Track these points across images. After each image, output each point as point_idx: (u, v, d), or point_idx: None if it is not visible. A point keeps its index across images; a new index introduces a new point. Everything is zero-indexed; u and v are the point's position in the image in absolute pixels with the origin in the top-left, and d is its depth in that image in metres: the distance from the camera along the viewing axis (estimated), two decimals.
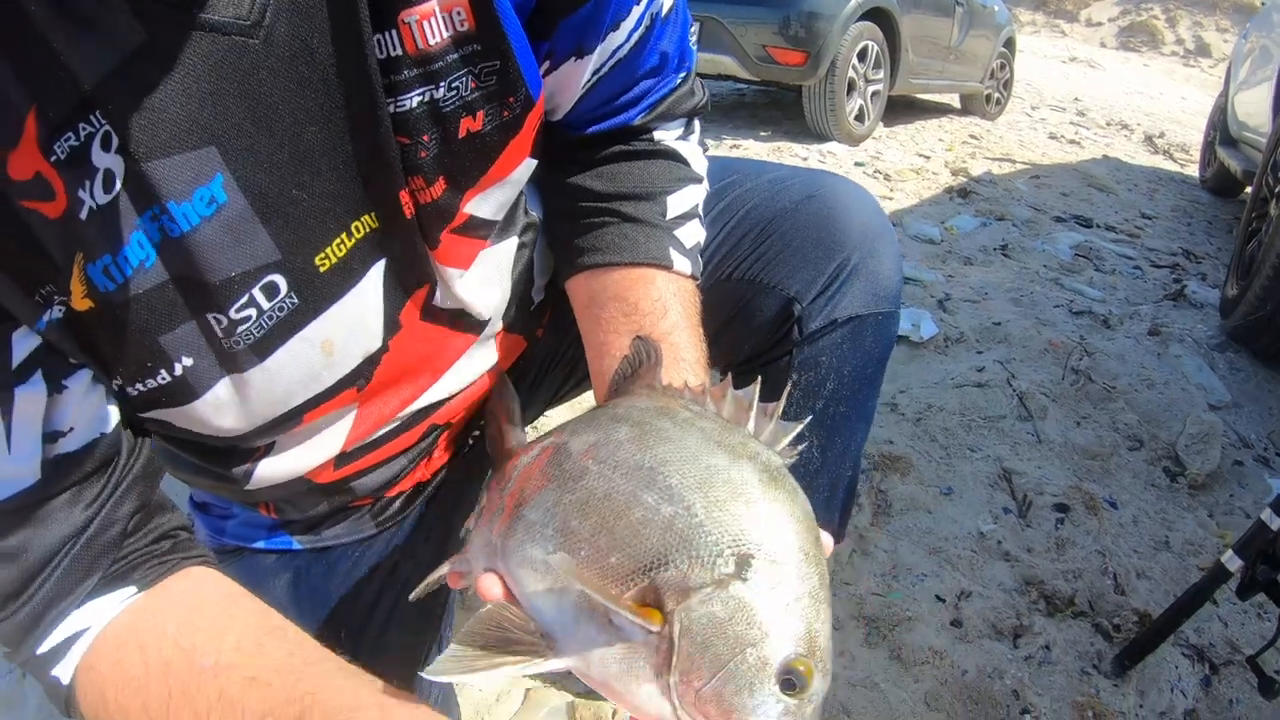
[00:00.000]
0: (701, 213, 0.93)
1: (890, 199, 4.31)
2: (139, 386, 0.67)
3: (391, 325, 0.78)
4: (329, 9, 0.62)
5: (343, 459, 0.90)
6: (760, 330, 0.99)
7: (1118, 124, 8.50)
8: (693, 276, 0.89)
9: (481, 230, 0.81)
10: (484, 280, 0.85)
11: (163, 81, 0.58)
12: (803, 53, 5.09)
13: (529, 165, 0.82)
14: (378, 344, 0.78)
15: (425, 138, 0.70)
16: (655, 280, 0.86)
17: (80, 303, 0.61)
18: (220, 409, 0.72)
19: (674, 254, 0.87)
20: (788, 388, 0.78)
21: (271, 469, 0.85)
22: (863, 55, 5.49)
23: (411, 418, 0.91)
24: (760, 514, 0.54)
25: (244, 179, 0.63)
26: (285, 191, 0.66)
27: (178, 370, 0.67)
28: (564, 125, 0.86)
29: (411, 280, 0.78)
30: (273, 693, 0.64)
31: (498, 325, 0.93)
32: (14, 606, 0.64)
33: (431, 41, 0.66)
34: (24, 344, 0.60)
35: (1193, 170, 6.63)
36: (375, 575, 1.06)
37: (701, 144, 0.95)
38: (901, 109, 7.00)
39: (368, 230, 0.72)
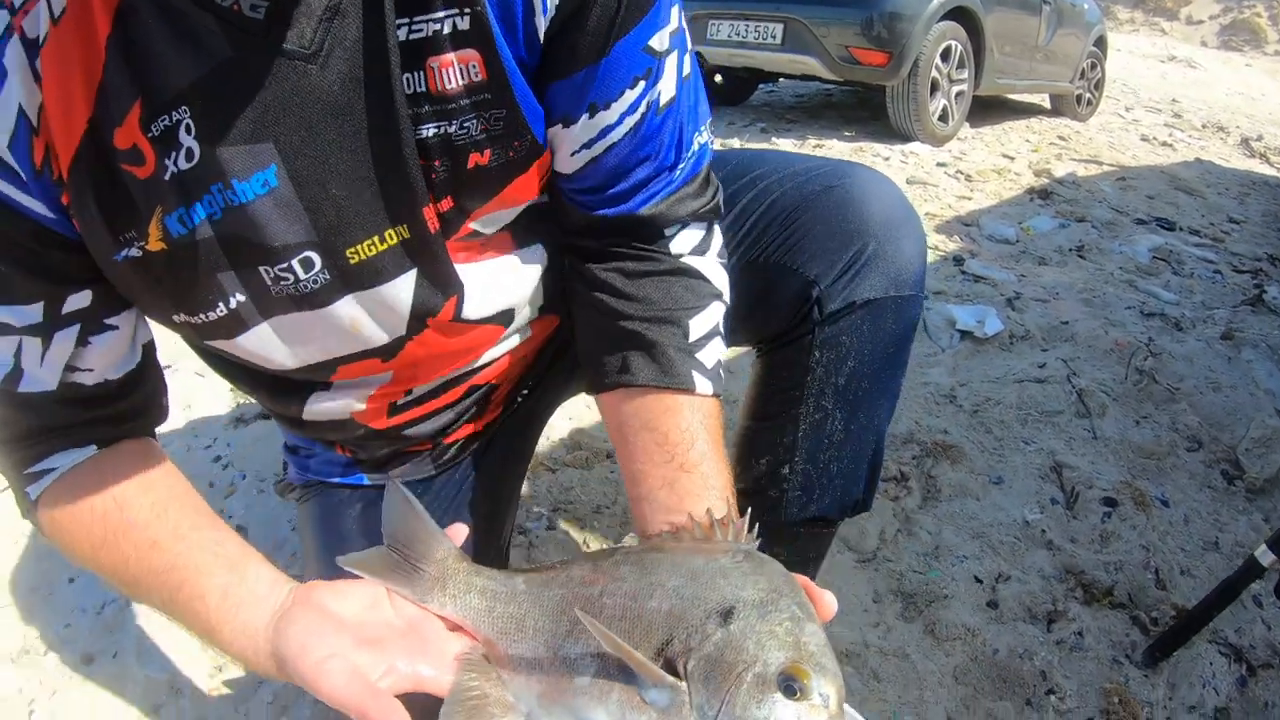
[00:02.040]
0: (723, 330, 0.99)
1: (969, 199, 4.32)
2: (201, 317, 0.84)
3: (417, 324, 0.92)
4: (369, 48, 0.76)
5: (394, 409, 1.05)
6: (783, 311, 1.08)
7: (1214, 126, 8.28)
8: (715, 395, 0.96)
9: (491, 242, 0.94)
10: (507, 287, 0.98)
11: (238, 89, 0.74)
12: (885, 53, 5.09)
13: (536, 200, 0.93)
14: (402, 333, 0.92)
15: (438, 163, 0.82)
16: (682, 409, 0.94)
17: (155, 244, 0.78)
18: (264, 343, 0.88)
19: (696, 377, 0.94)
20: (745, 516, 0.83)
21: (319, 409, 1.03)
22: (946, 55, 5.46)
23: (448, 382, 1.05)
24: (734, 580, 0.69)
25: (293, 172, 0.78)
26: (326, 190, 0.80)
27: (232, 304, 0.83)
28: (574, 203, 0.94)
29: (441, 291, 0.90)
30: (163, 558, 0.84)
31: (529, 317, 1.05)
32: (19, 450, 0.88)
33: (449, 86, 0.79)
34: (75, 303, 0.81)
35: None
36: (434, 511, 1.19)
37: (721, 256, 1.00)
38: (989, 109, 6.93)
39: (399, 239, 0.85)
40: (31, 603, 1.68)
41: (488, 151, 0.84)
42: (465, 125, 0.82)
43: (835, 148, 5.15)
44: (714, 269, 0.98)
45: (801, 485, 1.14)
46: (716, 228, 0.99)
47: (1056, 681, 1.50)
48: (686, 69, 0.91)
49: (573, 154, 0.88)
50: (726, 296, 0.99)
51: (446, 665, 0.76)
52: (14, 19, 0.71)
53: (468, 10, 0.77)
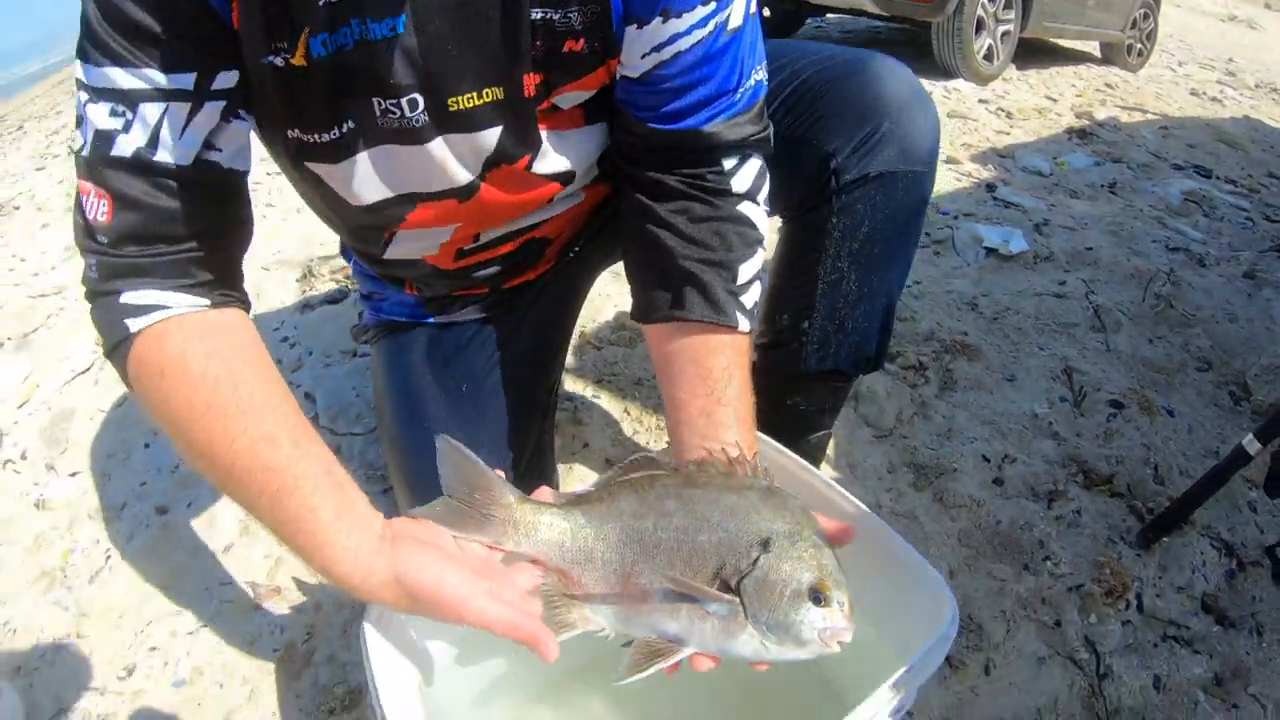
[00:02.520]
0: (762, 275, 1.10)
1: (1008, 134, 4.36)
2: (313, 137, 0.96)
3: (494, 169, 1.06)
4: None
5: (460, 254, 1.21)
6: (805, 182, 1.21)
7: (1267, 87, 8.17)
8: (750, 332, 1.08)
9: (565, 115, 1.07)
10: (572, 153, 1.11)
11: None
12: None
13: (606, 88, 1.05)
14: (479, 175, 1.06)
15: (539, 43, 0.96)
16: (725, 348, 1.06)
17: (298, 59, 0.89)
18: (356, 172, 1.01)
19: (740, 317, 1.06)
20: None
21: (397, 250, 1.18)
22: None
23: (510, 234, 1.20)
24: (766, 515, 0.88)
25: (419, 24, 0.90)
26: (443, 46, 0.92)
27: (344, 129, 0.96)
28: (639, 117, 1.03)
29: (521, 146, 1.05)
30: (277, 456, 0.87)
31: (584, 182, 1.18)
32: (130, 249, 0.89)
33: None
34: (224, 80, 0.88)
35: None
36: (489, 347, 1.36)
37: (766, 200, 1.10)
38: (1037, 53, 6.89)
39: (494, 99, 0.98)
40: (108, 467, 1.84)
41: (581, 40, 0.98)
42: (569, 15, 0.95)
43: None
44: (761, 216, 1.09)
45: (819, 339, 1.27)
46: (766, 169, 1.09)
47: (1053, 550, 1.62)
48: (752, 7, 1.02)
49: (643, 55, 0.98)
50: (765, 241, 1.10)
51: (520, 594, 0.87)
52: None
53: None
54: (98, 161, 0.87)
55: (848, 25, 7.66)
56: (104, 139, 0.86)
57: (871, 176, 1.18)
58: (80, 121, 0.88)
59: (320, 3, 0.86)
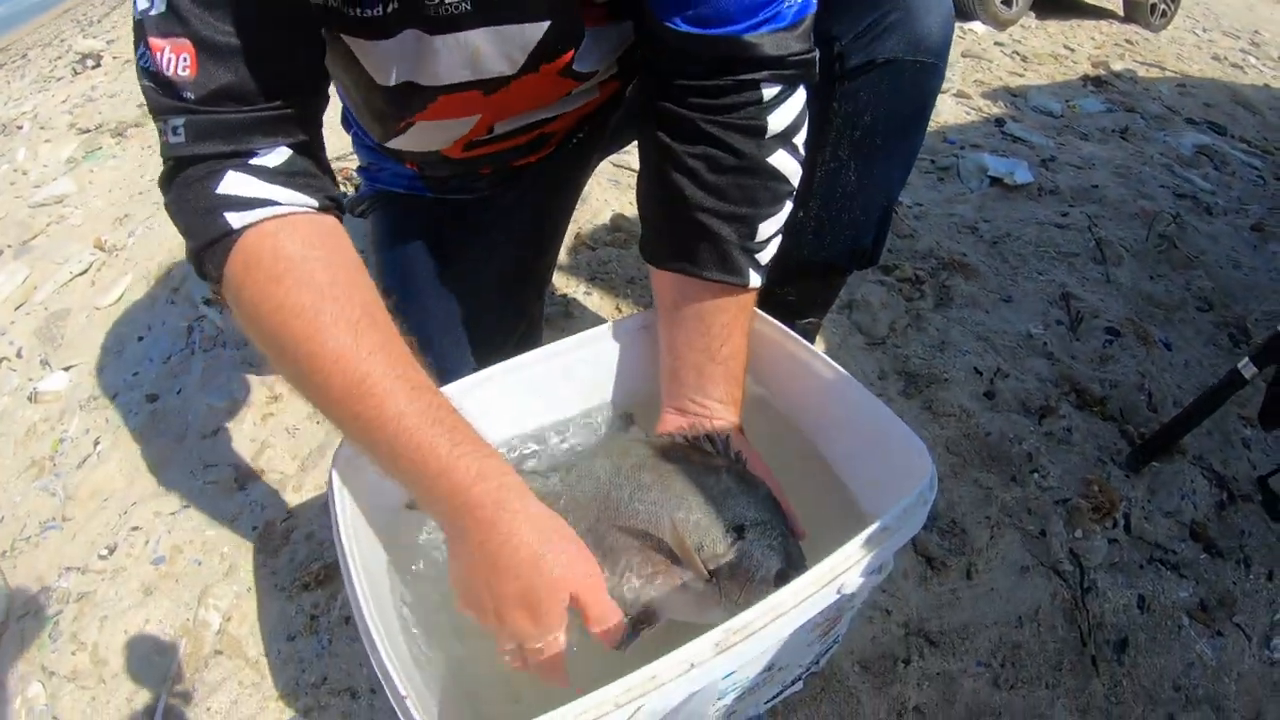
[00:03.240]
0: (785, 227, 1.05)
1: (1021, 76, 4.28)
2: (357, 11, 0.90)
3: (532, 65, 1.02)
4: None
5: (470, 145, 1.18)
6: None
7: None
8: (759, 288, 1.06)
9: (599, 11, 1.04)
10: (601, 48, 1.09)
11: None
12: None
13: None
14: (513, 72, 1.02)
15: None
16: (730, 306, 1.04)
17: None
18: (391, 56, 0.97)
19: (752, 274, 1.03)
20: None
21: (409, 140, 1.16)
22: None
23: (524, 127, 1.18)
24: (740, 501, 0.94)
25: None
26: None
27: (389, 9, 0.90)
28: (677, 24, 0.93)
29: (566, 40, 1.01)
30: (409, 399, 0.81)
31: (602, 79, 1.16)
32: (224, 104, 0.82)
33: None
34: None
35: None
36: (487, 223, 1.35)
37: (804, 140, 1.03)
38: (1058, 6, 6.79)
39: None
40: (101, 360, 1.87)
41: None
42: None
43: None
44: (793, 164, 1.01)
45: (814, 229, 1.23)
46: (808, 104, 1.02)
47: (1041, 464, 1.59)
48: None
49: None
50: (796, 186, 1.03)
51: None
52: None
53: None
54: (176, 10, 0.79)
55: None
56: None
57: (878, 63, 1.11)
58: None
59: None
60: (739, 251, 1.01)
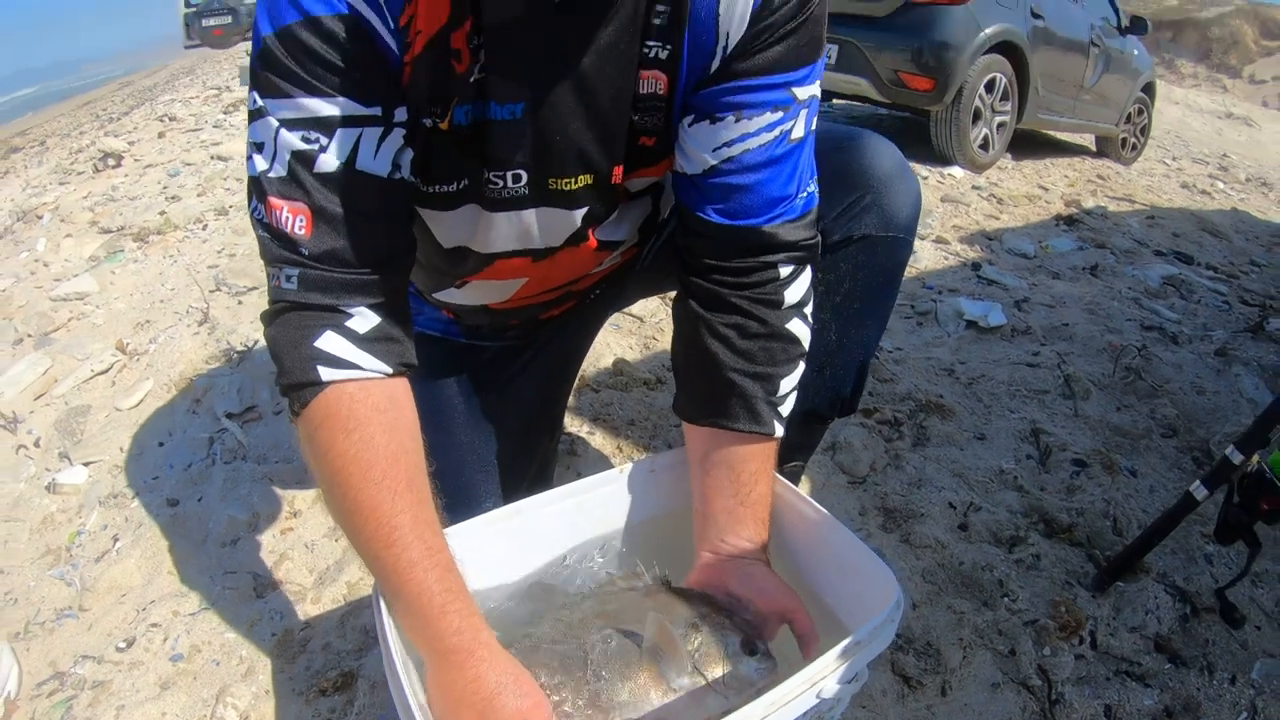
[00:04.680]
0: (799, 385, 1.24)
1: (997, 219, 4.57)
2: (434, 187, 1.11)
3: (574, 241, 1.25)
4: (624, 50, 1.06)
5: (508, 302, 1.40)
6: None
7: (1258, 181, 8.44)
8: (781, 437, 1.23)
9: (632, 198, 1.27)
10: (630, 222, 1.32)
11: (520, 38, 1.01)
12: (931, 79, 5.40)
13: (668, 176, 1.24)
14: (559, 244, 1.24)
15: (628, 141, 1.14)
16: (758, 455, 1.21)
17: (444, 124, 1.04)
18: (455, 226, 1.18)
19: (776, 425, 1.20)
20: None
21: (466, 295, 1.38)
22: (990, 86, 5.76)
23: (559, 287, 1.39)
24: (683, 608, 1.12)
25: (534, 112, 1.06)
26: (553, 135, 1.08)
27: (457, 188, 1.11)
28: (708, 215, 1.16)
29: (597, 220, 1.24)
30: (422, 557, 0.99)
31: (625, 246, 1.37)
32: (331, 264, 1.00)
33: (643, 91, 1.10)
34: (401, 114, 1.00)
35: None
36: (512, 369, 1.57)
37: (813, 316, 1.24)
38: (1033, 145, 7.16)
39: (587, 183, 1.15)
40: (121, 460, 1.99)
41: (654, 139, 1.16)
42: (647, 119, 1.13)
43: None
44: (806, 331, 1.22)
45: (799, 382, 1.43)
46: (813, 280, 1.23)
47: (1011, 589, 1.75)
48: (813, 126, 1.16)
49: (713, 149, 1.12)
50: (807, 348, 1.24)
51: None
52: None
53: (669, 47, 1.07)
54: (296, 178, 0.96)
55: (854, 111, 7.97)
56: (303, 159, 0.96)
57: (855, 239, 1.32)
58: (260, 147, 0.97)
59: (469, 79, 1.02)
60: (765, 405, 1.18)
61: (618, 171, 1.16)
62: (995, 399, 2.42)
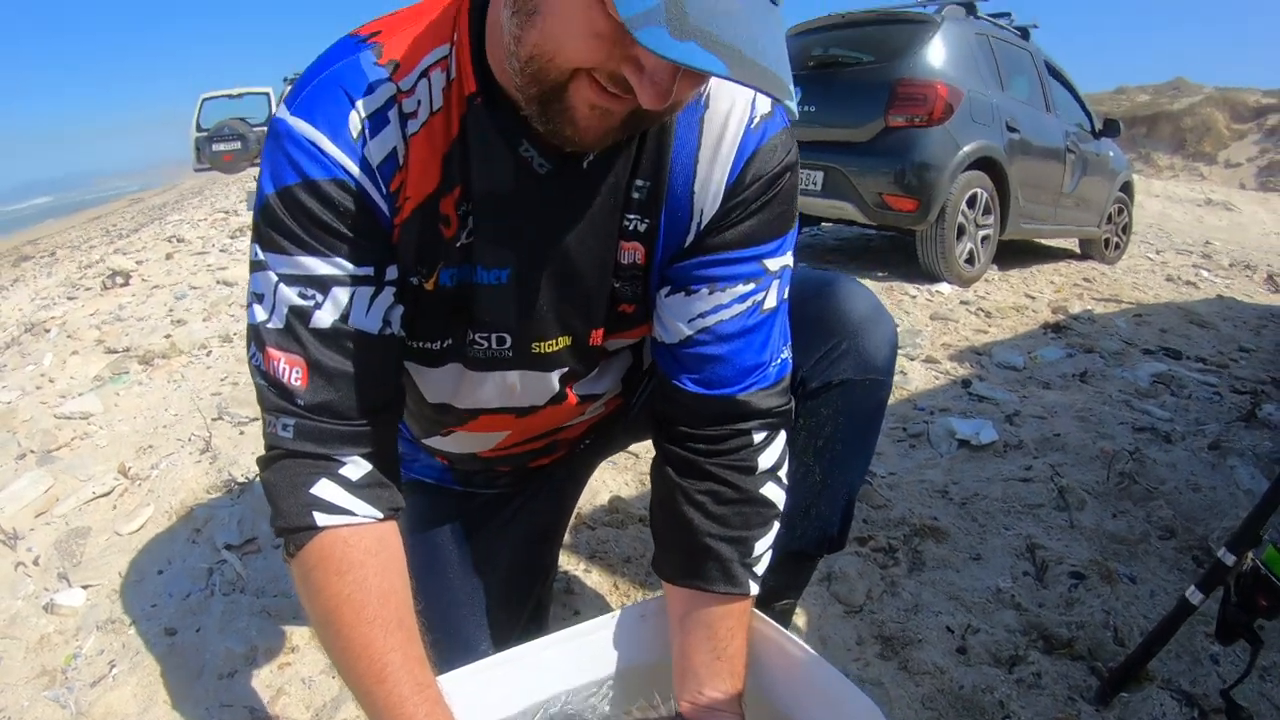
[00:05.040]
0: (775, 544, 1.28)
1: (986, 333, 4.69)
2: (418, 343, 1.18)
3: (555, 400, 1.31)
4: (606, 221, 1.13)
5: (496, 448, 1.47)
6: None
7: (1242, 265, 8.59)
8: (757, 594, 1.27)
9: (612, 354, 1.34)
10: (610, 377, 1.40)
11: (509, 208, 1.08)
12: (914, 200, 5.63)
13: (645, 339, 1.32)
14: (541, 402, 1.31)
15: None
16: (733, 613, 1.25)
17: (430, 285, 1.11)
18: (439, 381, 1.25)
19: (751, 585, 1.25)
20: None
21: (448, 443, 1.45)
22: (972, 201, 5.98)
23: (542, 435, 1.47)
24: None
25: (519, 280, 1.13)
26: (536, 301, 1.15)
27: (441, 346, 1.18)
28: (684, 386, 1.21)
29: (576, 378, 1.30)
30: (409, 684, 1.04)
31: (608, 398, 1.46)
32: (325, 416, 1.05)
33: (624, 261, 1.18)
34: (392, 273, 1.07)
35: None
36: (505, 516, 1.64)
37: (787, 478, 1.29)
38: (1018, 253, 7.34)
39: (567, 345, 1.22)
40: (121, 585, 2.04)
41: (633, 305, 1.23)
42: (626, 287, 1.20)
43: (868, 286, 5.56)
44: (780, 494, 1.27)
45: (787, 524, 1.46)
46: (787, 445, 1.28)
47: (1013, 709, 1.77)
48: (785, 295, 1.22)
49: (688, 321, 1.18)
50: (782, 509, 1.28)
51: None
52: (398, 95, 1.02)
53: (647, 219, 1.15)
54: (293, 332, 1.03)
55: (841, 234, 8.20)
56: (300, 314, 1.02)
57: (834, 384, 1.37)
58: (260, 298, 1.04)
59: (456, 244, 1.09)
60: (740, 568, 1.22)
61: (597, 335, 1.23)
62: (990, 517, 2.48)
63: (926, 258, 5.90)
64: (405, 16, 1.07)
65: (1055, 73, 7.52)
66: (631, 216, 1.14)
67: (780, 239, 1.19)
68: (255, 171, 16.38)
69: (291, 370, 1.03)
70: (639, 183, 1.12)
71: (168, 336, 4.23)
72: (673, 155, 1.12)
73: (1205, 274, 7.86)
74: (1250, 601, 1.59)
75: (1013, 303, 5.51)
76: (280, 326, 1.03)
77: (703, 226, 1.15)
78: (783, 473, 1.27)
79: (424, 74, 1.03)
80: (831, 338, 1.37)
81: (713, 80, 1.03)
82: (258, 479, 2.49)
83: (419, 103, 1.03)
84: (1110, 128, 8.06)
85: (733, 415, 1.20)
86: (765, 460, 1.23)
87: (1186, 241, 9.86)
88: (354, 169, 1.00)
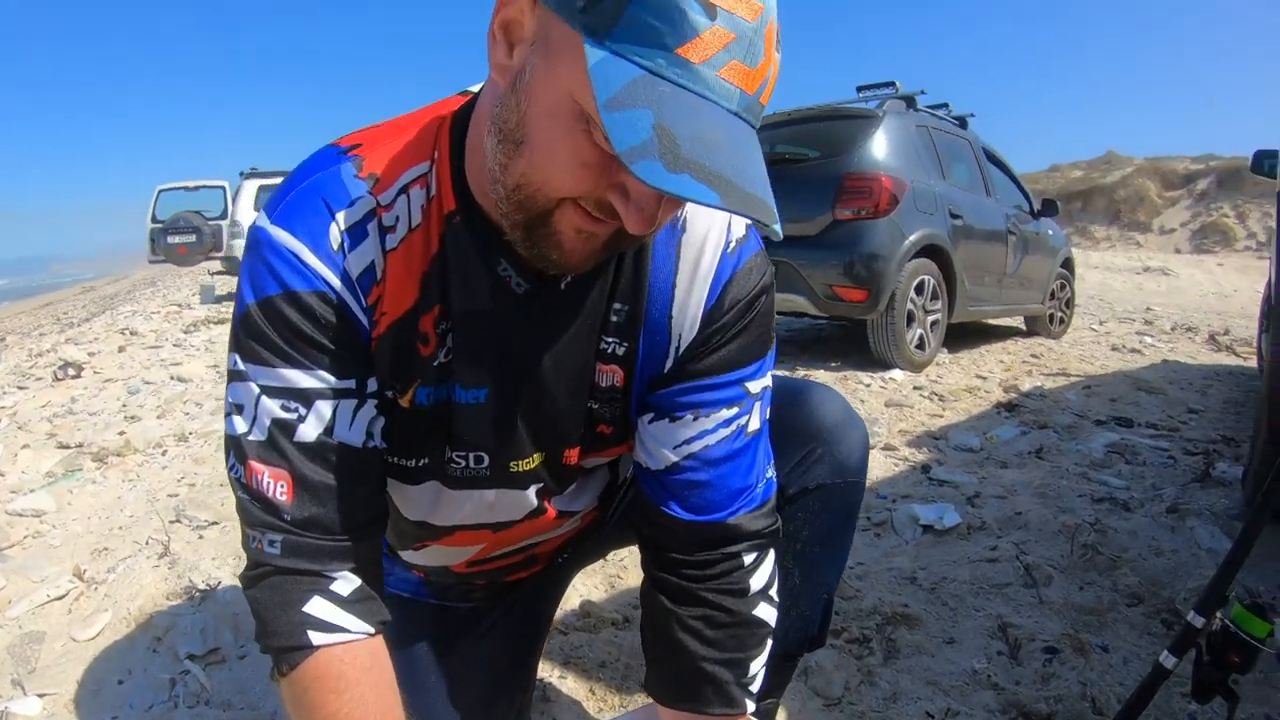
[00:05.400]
0: (768, 662, 1.28)
1: (941, 417, 4.78)
2: (395, 460, 1.17)
3: (531, 516, 1.32)
4: (583, 343, 1.14)
5: (472, 563, 1.48)
6: None
7: (1183, 327, 8.85)
8: (752, 711, 1.27)
9: (590, 471, 1.36)
10: (586, 493, 1.43)
11: (487, 327, 1.08)
12: (864, 290, 5.79)
13: (625, 457, 1.34)
14: (518, 517, 1.32)
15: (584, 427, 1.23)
16: None
17: (405, 401, 1.11)
18: (417, 499, 1.25)
19: (748, 703, 1.25)
20: None
21: (423, 556, 1.46)
22: (920, 288, 6.17)
23: (519, 549, 1.48)
24: None
25: (498, 400, 1.14)
26: (514, 422, 1.16)
27: (418, 464, 1.18)
28: (673, 513, 1.20)
29: (553, 494, 1.32)
30: None
31: (587, 511, 1.47)
32: (312, 531, 1.04)
33: (602, 384, 1.19)
34: (372, 385, 1.08)
35: (1255, 362, 6.90)
36: (478, 628, 1.64)
37: (778, 594, 1.28)
38: (967, 334, 7.52)
39: (542, 462, 1.23)
40: (78, 695, 1.99)
41: (611, 427, 1.24)
42: (604, 409, 1.21)
43: (821, 376, 5.70)
44: (772, 612, 1.26)
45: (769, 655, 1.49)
46: (776, 561, 1.28)
47: None
48: (767, 415, 1.23)
49: (673, 448, 1.18)
50: (774, 626, 1.27)
51: None
52: (378, 209, 1.02)
53: (625, 343, 1.15)
54: (277, 445, 1.01)
55: (794, 325, 8.34)
56: (283, 427, 1.01)
57: (810, 490, 1.38)
58: (241, 409, 1.02)
59: (433, 363, 1.09)
60: (737, 688, 1.22)
61: (572, 454, 1.24)
62: (960, 600, 2.51)
63: (878, 346, 6.04)
64: (386, 130, 1.08)
65: (993, 158, 7.88)
66: (610, 339, 1.15)
67: (760, 361, 1.20)
68: (208, 265, 16.66)
69: (276, 484, 1.02)
70: (617, 306, 1.13)
71: (121, 433, 4.18)
72: (650, 279, 1.13)
73: (1149, 340, 8.08)
74: (1223, 659, 1.63)
75: (965, 384, 5.63)
76: (263, 439, 1.02)
77: (681, 351, 1.16)
78: (774, 590, 1.27)
79: (404, 190, 1.04)
80: (806, 444, 1.38)
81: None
82: (221, 586, 2.50)
83: (398, 218, 1.03)
84: (1048, 207, 8.40)
85: (723, 539, 1.20)
86: (757, 581, 1.23)
87: (1128, 309, 10.14)
88: (335, 281, 1.00)
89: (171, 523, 3.05)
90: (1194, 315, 9.79)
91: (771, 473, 1.26)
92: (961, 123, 7.67)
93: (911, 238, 6.00)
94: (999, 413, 4.89)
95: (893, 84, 7.07)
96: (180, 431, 4.25)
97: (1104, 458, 3.99)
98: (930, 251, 6.27)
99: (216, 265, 15.85)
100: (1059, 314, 8.64)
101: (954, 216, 6.59)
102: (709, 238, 1.14)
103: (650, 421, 1.20)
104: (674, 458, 1.18)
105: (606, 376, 1.18)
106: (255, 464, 1.02)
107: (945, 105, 7.66)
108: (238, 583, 2.43)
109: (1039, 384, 5.70)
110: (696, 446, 1.17)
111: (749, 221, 1.19)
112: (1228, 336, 8.37)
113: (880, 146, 6.23)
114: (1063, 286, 8.72)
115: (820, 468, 1.38)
